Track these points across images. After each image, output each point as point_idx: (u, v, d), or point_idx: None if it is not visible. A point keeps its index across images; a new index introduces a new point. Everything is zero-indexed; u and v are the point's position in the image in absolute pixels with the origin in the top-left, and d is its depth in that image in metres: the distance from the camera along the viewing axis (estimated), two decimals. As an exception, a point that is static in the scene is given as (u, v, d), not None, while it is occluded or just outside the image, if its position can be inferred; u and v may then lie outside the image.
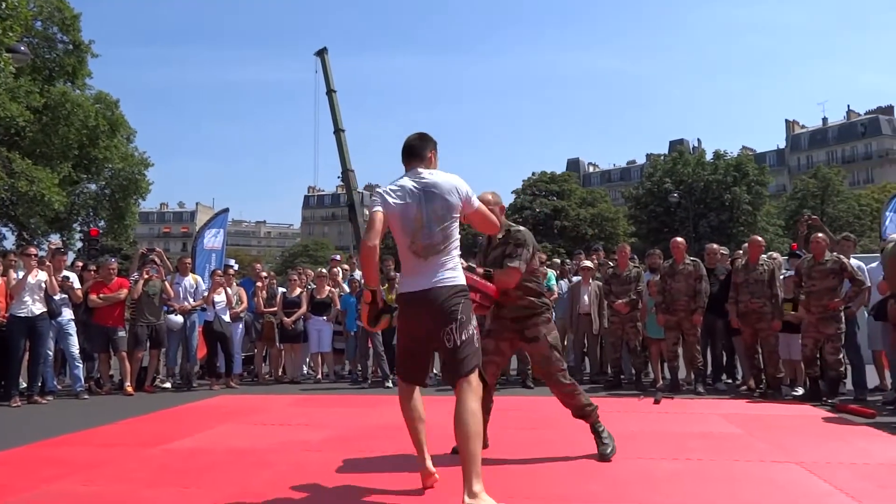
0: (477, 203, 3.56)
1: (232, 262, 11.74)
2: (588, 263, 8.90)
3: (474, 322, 3.45)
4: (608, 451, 4.25)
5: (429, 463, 3.62)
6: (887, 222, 11.71)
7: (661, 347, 8.07)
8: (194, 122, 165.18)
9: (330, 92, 30.41)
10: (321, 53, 30.98)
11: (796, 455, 4.35)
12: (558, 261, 11.02)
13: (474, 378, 3.34)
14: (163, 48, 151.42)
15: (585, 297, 8.50)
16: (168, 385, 8.86)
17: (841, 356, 6.80)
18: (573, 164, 74.45)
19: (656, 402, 6.72)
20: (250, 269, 11.32)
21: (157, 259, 9.13)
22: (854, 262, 7.36)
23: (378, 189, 3.55)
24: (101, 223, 24.60)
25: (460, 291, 3.41)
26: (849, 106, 67.22)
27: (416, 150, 3.56)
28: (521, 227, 4.32)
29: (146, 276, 8.60)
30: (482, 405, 3.46)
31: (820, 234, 7.16)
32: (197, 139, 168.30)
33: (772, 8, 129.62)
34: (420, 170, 3.49)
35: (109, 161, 23.40)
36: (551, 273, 9.28)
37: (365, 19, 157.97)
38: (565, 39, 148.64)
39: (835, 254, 7.03)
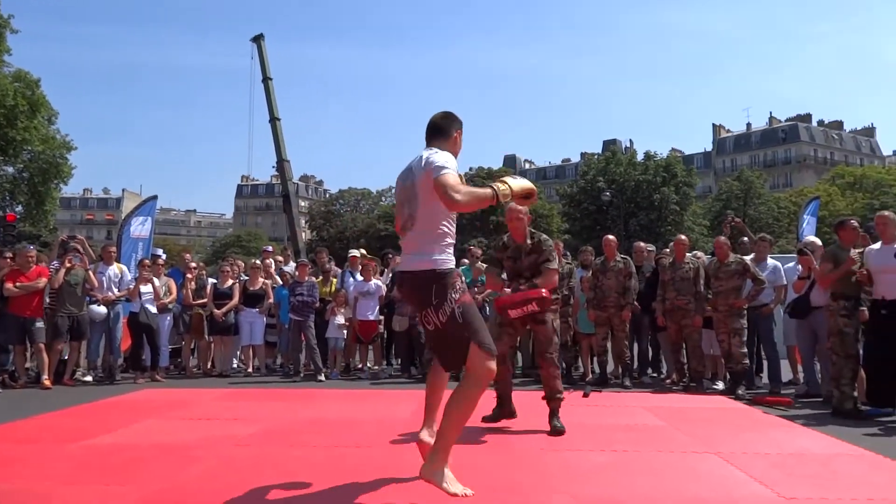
0: (442, 176, 3.07)
1: (160, 251, 11.37)
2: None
3: (454, 299, 3.18)
4: (560, 424, 4.92)
5: (423, 433, 3.55)
6: (804, 225, 12.35)
7: (591, 342, 8.27)
8: (122, 105, 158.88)
9: (266, 79, 29.82)
10: (257, 40, 30.33)
11: (715, 446, 4.54)
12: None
13: (478, 358, 3.16)
14: (91, 26, 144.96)
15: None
16: (89, 378, 8.52)
17: (745, 350, 7.13)
18: (510, 161, 75.28)
19: (585, 395, 6.89)
20: (179, 259, 11.00)
21: (79, 247, 8.75)
22: (771, 261, 7.74)
23: None
24: (19, 208, 23.48)
25: (437, 276, 3.20)
26: (771, 113, 70.60)
27: (438, 127, 3.44)
28: (544, 234, 5.24)
29: (67, 265, 8.23)
30: (501, 377, 4.49)
31: (721, 238, 7.57)
32: (125, 123, 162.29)
33: (701, 16, 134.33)
34: (429, 148, 3.35)
35: (28, 143, 22.32)
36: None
37: (304, 6, 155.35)
38: (504, 36, 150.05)
39: (738, 255, 7.44)
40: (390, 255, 9.91)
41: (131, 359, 8.77)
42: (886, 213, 6.21)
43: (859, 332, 6.15)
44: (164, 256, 10.43)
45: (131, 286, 8.83)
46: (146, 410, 6.02)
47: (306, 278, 8.92)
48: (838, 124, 70.72)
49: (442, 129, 3.42)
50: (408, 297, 3.49)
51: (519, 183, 3.28)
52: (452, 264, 3.27)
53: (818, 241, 7.46)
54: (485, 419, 5.13)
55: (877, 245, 6.09)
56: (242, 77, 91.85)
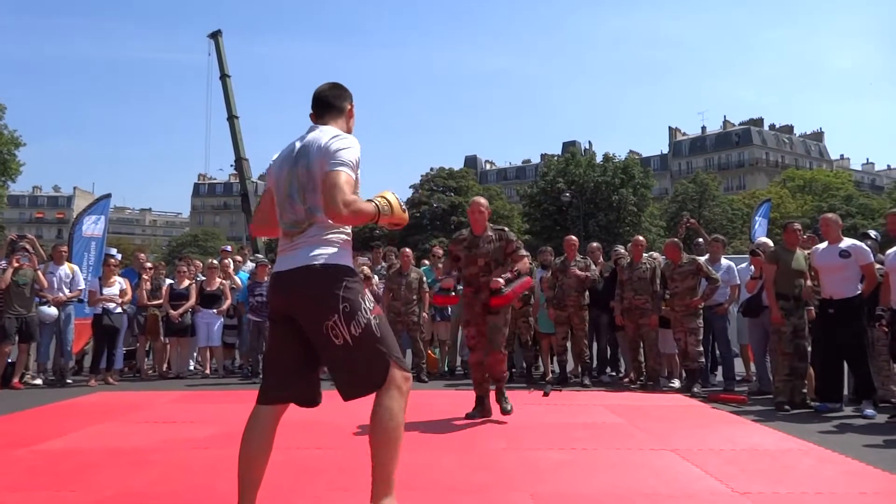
0: (336, 172, 2.51)
1: (113, 251, 11.10)
2: (482, 260, 9.07)
3: (369, 308, 2.62)
4: (509, 407, 5.48)
5: None
6: (756, 226, 12.67)
7: (551, 341, 8.35)
8: (73, 100, 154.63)
9: (224, 76, 29.45)
10: (215, 36, 29.93)
11: (671, 443, 4.63)
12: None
13: (397, 376, 2.65)
14: (39, 18, 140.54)
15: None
16: (39, 381, 8.26)
17: (700, 348, 7.30)
18: (471, 161, 75.56)
19: (545, 394, 6.96)
20: (134, 259, 10.75)
21: (28, 246, 8.48)
22: (725, 261, 7.93)
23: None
24: (-37, 206, 22.62)
25: (346, 275, 2.62)
26: (725, 116, 72.25)
27: (328, 100, 2.82)
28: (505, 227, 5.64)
29: (16, 265, 7.97)
30: (482, 379, 5.40)
31: (672, 241, 7.72)
32: (77, 119, 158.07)
33: (658, 20, 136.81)
34: (318, 126, 2.76)
35: (-27, 139, 21.54)
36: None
37: (262, 3, 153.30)
38: (466, 37, 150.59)
39: (691, 256, 7.61)
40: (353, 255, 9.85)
41: (92, 362, 8.53)
42: (830, 215, 6.43)
43: (804, 330, 6.34)
44: (118, 256, 10.18)
45: (81, 286, 8.61)
46: (99, 414, 5.87)
47: (265, 278, 8.81)
48: (789, 129, 72.82)
49: (334, 103, 2.83)
50: (296, 303, 2.60)
51: (399, 204, 2.75)
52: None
53: (770, 242, 7.68)
54: (468, 416, 5.51)
55: (822, 245, 6.29)
56: (199, 73, 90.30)
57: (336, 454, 4.26)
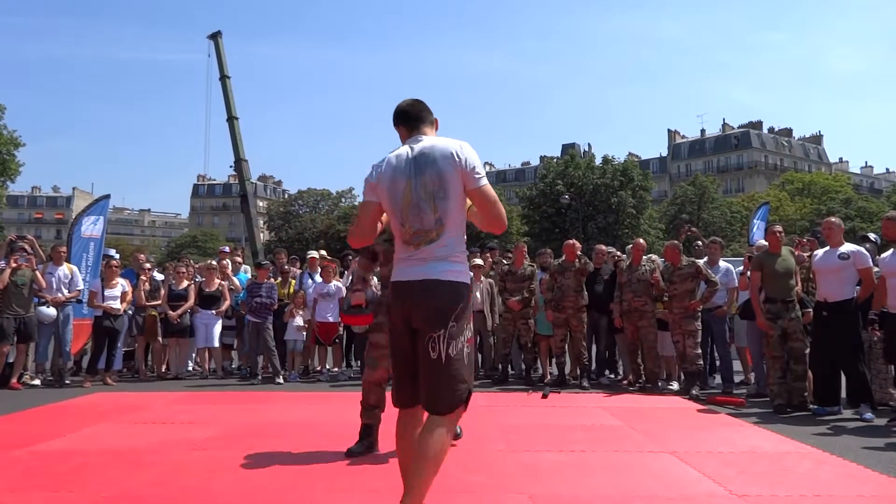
0: (487, 187, 2.69)
1: (112, 251, 11.10)
2: (478, 261, 9.06)
3: (467, 334, 2.72)
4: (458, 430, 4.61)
5: None
6: (755, 229, 12.67)
7: (549, 343, 8.35)
8: (73, 101, 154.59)
9: (223, 77, 29.45)
10: (215, 37, 29.93)
11: (669, 445, 4.64)
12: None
13: (462, 410, 2.69)
14: (40, 18, 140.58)
15: (478, 294, 8.64)
16: (37, 382, 8.25)
17: (699, 351, 7.30)
18: (470, 163, 75.45)
19: (544, 396, 6.96)
20: (133, 260, 10.74)
21: (27, 246, 8.47)
22: (723, 264, 7.93)
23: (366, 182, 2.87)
24: (-38, 206, 22.61)
25: (460, 291, 2.70)
26: (724, 119, 72.31)
27: (420, 113, 2.90)
28: None
29: (14, 265, 7.96)
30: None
31: (672, 242, 7.74)
32: (76, 120, 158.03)
33: (657, 22, 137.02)
34: (419, 136, 2.84)
35: (-28, 139, 21.54)
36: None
37: (261, 5, 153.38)
38: (465, 39, 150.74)
39: (690, 258, 7.61)
40: (350, 257, 9.84)
41: (90, 363, 8.52)
42: (833, 218, 6.44)
43: (799, 332, 6.33)
44: (117, 257, 10.18)
45: (80, 287, 8.61)
46: (97, 415, 5.87)
47: (265, 280, 8.82)
48: (788, 132, 72.91)
49: (426, 116, 2.91)
50: (418, 312, 2.68)
51: None
52: None
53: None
54: (349, 452, 4.29)
55: (822, 249, 6.30)
56: (199, 74, 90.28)
57: (336, 456, 4.26)
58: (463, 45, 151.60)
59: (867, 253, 6.14)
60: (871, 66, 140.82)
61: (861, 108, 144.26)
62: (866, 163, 79.77)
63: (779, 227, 6.68)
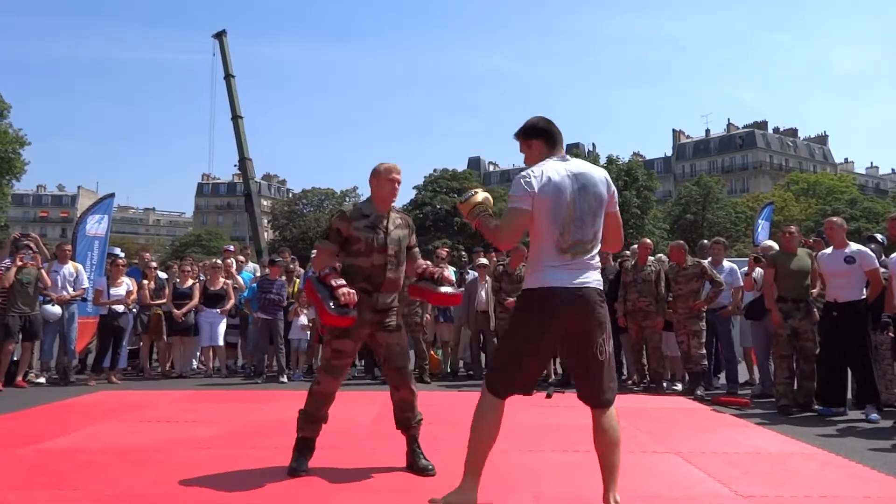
0: (617, 209, 3.21)
1: (117, 250, 11.13)
2: (484, 261, 9.06)
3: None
4: (430, 465, 3.92)
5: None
6: (759, 229, 12.64)
7: (553, 343, 8.33)
8: (78, 100, 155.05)
9: (228, 77, 29.51)
10: (220, 36, 29.97)
11: (674, 445, 4.62)
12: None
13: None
14: (45, 18, 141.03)
15: (483, 294, 8.65)
16: (42, 380, 8.28)
17: (704, 351, 7.29)
18: (474, 163, 75.55)
19: (548, 396, 6.95)
20: (138, 259, 10.77)
21: (32, 245, 8.50)
22: (728, 264, 7.91)
23: (521, 179, 3.02)
24: (-32, 205, 22.68)
25: (603, 298, 3.07)
26: (729, 119, 72.33)
27: (558, 133, 3.18)
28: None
29: (19, 263, 7.99)
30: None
31: (678, 242, 7.74)
32: (81, 119, 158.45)
33: (662, 22, 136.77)
34: (566, 156, 3.14)
35: (-22, 137, 21.61)
36: (451, 269, 9.38)
37: (264, 4, 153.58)
38: (470, 38, 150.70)
39: (696, 259, 7.59)
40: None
41: (95, 361, 8.54)
42: (835, 218, 6.42)
43: (809, 332, 6.31)
44: (122, 255, 10.20)
45: (85, 285, 8.63)
46: (102, 413, 5.88)
47: (277, 278, 8.84)
48: (793, 132, 72.66)
49: (559, 135, 3.20)
50: (580, 318, 2.97)
51: None
52: None
53: (775, 245, 7.66)
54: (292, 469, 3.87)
55: (829, 249, 6.27)
56: (203, 73, 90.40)
57: (339, 455, 4.26)
58: (467, 44, 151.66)
59: (873, 254, 6.12)
60: (877, 67, 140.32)
61: (866, 109, 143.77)
62: (872, 163, 79.55)
63: (793, 227, 6.66)
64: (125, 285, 8.61)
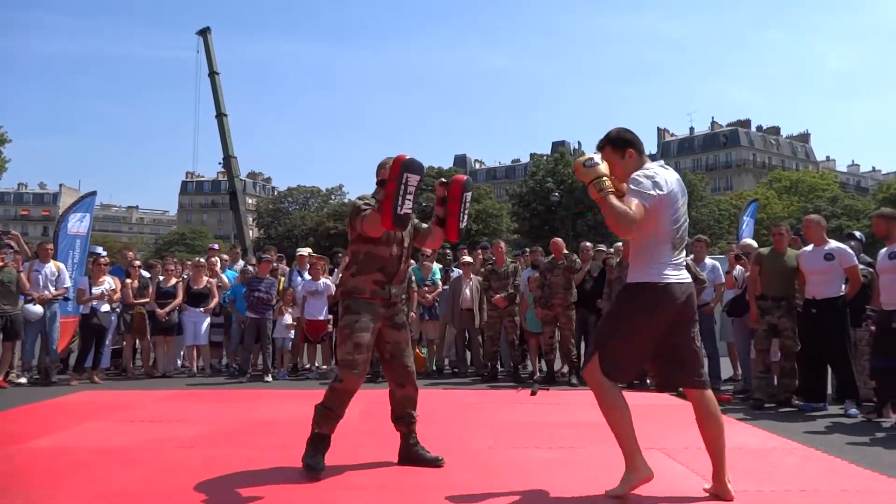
0: None
1: (99, 249, 11.04)
2: (468, 259, 9.08)
3: None
4: (439, 457, 3.98)
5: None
6: (744, 226, 12.73)
7: (539, 340, 8.38)
8: (60, 96, 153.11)
9: (212, 74, 29.37)
10: (204, 33, 29.83)
11: (658, 441, 4.67)
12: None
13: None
14: (25, 12, 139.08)
15: (467, 292, 8.67)
16: (24, 380, 8.19)
17: None
18: (460, 161, 75.56)
19: (533, 393, 6.98)
20: (121, 257, 10.68)
21: (13, 243, 8.41)
22: (710, 261, 7.97)
23: (646, 177, 3.20)
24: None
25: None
26: (713, 118, 72.61)
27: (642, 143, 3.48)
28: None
29: (1, 263, 7.90)
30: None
31: None
32: (64, 116, 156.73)
33: (646, 22, 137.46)
34: (663, 163, 3.46)
35: (-43, 135, 21.33)
36: (436, 267, 9.41)
37: (252, 1, 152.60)
38: (456, 37, 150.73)
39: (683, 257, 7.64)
40: (340, 254, 9.83)
41: (77, 361, 8.46)
42: (812, 216, 6.48)
43: (790, 329, 6.39)
44: (104, 254, 10.11)
45: (67, 284, 8.55)
46: (85, 413, 5.84)
47: (266, 276, 8.80)
48: (776, 130, 73.32)
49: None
50: (687, 306, 3.35)
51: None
52: None
53: (754, 244, 7.75)
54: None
55: (809, 247, 6.35)
56: (188, 70, 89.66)
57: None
58: (454, 42, 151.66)
59: (851, 252, 6.20)
60: (859, 66, 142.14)
61: (848, 107, 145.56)
62: (853, 161, 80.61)
63: (783, 229, 6.69)
64: (108, 284, 8.54)
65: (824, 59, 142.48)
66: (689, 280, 3.40)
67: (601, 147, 3.42)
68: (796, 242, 7.19)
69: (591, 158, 3.29)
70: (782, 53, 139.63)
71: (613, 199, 3.14)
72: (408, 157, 3.49)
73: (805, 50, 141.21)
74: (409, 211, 3.53)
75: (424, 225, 4.11)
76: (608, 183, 3.20)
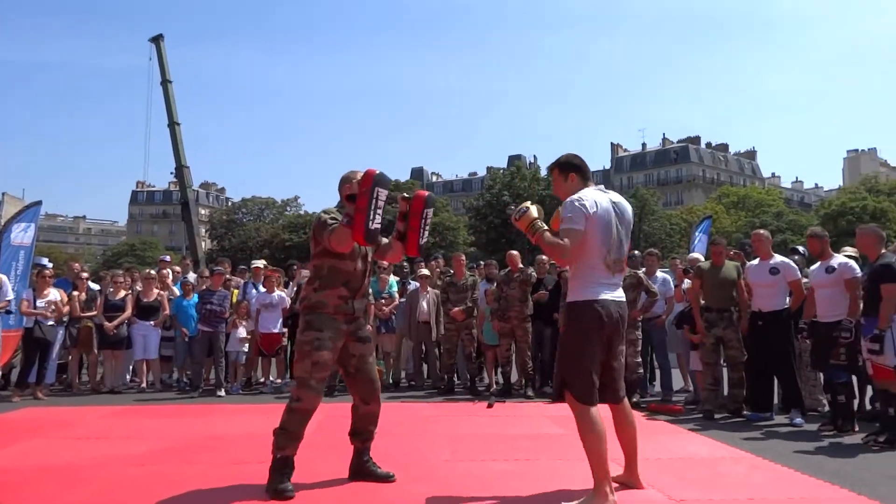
0: None
1: (44, 260, 10.70)
2: (425, 271, 9.09)
3: None
4: (391, 473, 3.95)
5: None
6: (696, 241, 13.05)
7: (495, 353, 8.42)
8: (5, 103, 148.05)
9: (165, 82, 28.83)
10: (157, 40, 29.30)
11: (611, 452, 4.71)
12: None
13: None
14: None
15: (424, 305, 8.67)
16: (-38, 397, 7.87)
17: (639, 360, 7.48)
18: (417, 173, 75.71)
19: (489, 405, 7.01)
20: (67, 269, 10.36)
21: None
22: (661, 274, 8.16)
23: (576, 202, 3.44)
24: None
25: None
26: (664, 134, 74.39)
27: (589, 169, 3.71)
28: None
29: (-62, 274, 7.59)
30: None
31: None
32: (6, 123, 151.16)
33: (602, 40, 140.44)
34: (603, 187, 3.65)
35: None
36: (393, 279, 9.39)
37: (204, 9, 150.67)
38: (413, 50, 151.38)
39: (633, 269, 7.79)
40: (295, 266, 9.74)
41: (19, 376, 8.15)
42: (761, 231, 6.73)
43: (735, 340, 6.56)
44: (49, 266, 9.80)
45: (9, 297, 8.25)
46: (28, 430, 5.63)
47: (218, 288, 8.64)
48: (724, 147, 75.57)
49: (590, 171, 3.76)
50: (621, 324, 3.54)
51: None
52: None
53: (700, 258, 7.98)
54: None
55: (755, 261, 6.56)
56: (140, 78, 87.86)
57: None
58: (411, 55, 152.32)
59: (796, 266, 6.43)
60: (801, 87, 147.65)
61: (791, 127, 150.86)
62: (797, 178, 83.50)
63: (719, 245, 6.93)
64: (53, 296, 8.27)
65: (766, 80, 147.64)
66: (624, 299, 3.58)
67: (551, 169, 3.79)
68: (739, 256, 7.43)
69: (519, 209, 3.64)
70: (727, 74, 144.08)
71: (548, 236, 3.48)
72: (378, 172, 3.52)
73: (748, 71, 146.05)
74: (379, 225, 3.56)
75: (385, 239, 4.07)
76: (540, 223, 3.53)
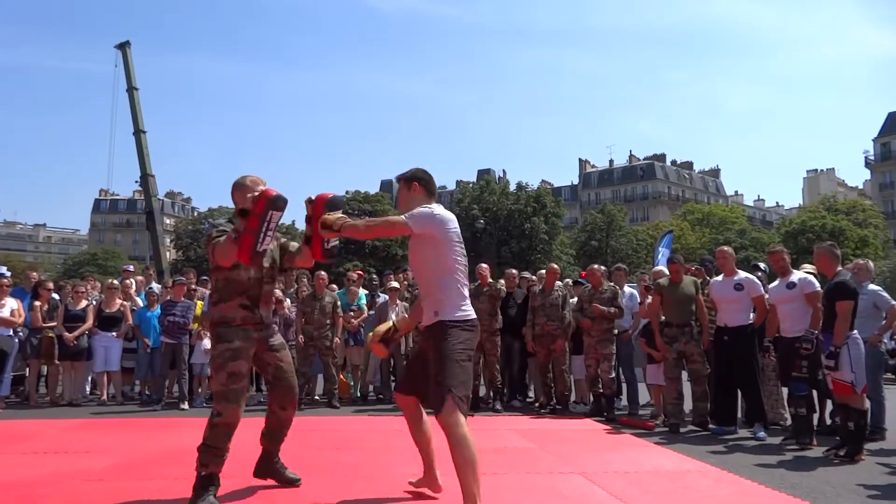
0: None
1: (3, 269, 10.41)
2: (395, 284, 9.06)
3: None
4: (296, 476, 4.09)
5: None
6: (660, 256, 13.28)
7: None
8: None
9: (131, 89, 28.48)
10: (123, 47, 28.97)
11: (579, 466, 4.75)
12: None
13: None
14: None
15: (393, 317, 8.62)
16: (-89, 410, 7.58)
17: (613, 375, 7.54)
18: (386, 186, 75.35)
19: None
20: (24, 278, 10.08)
21: None
22: (628, 289, 8.24)
23: (432, 211, 3.49)
24: None
25: None
26: (631, 151, 75.56)
27: (435, 186, 3.78)
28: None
29: None
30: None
31: (595, 266, 7.98)
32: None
33: (570, 57, 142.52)
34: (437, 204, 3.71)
35: None
36: (362, 292, 9.33)
37: (172, 17, 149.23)
38: (383, 63, 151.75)
39: (611, 284, 7.87)
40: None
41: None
42: (725, 248, 6.86)
43: (697, 354, 6.65)
44: (8, 274, 9.52)
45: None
46: (-19, 444, 5.44)
47: (181, 299, 8.47)
48: (689, 164, 77.03)
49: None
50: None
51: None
52: None
53: (666, 271, 8.06)
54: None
55: (720, 277, 6.67)
56: (104, 84, 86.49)
57: (239, 482, 4.12)
58: (380, 67, 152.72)
59: (759, 282, 6.56)
60: (764, 108, 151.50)
61: (754, 146, 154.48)
62: (759, 196, 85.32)
63: (676, 258, 7.08)
64: (9, 306, 8.04)
65: (731, 100, 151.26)
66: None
67: (398, 180, 3.86)
68: (700, 273, 7.55)
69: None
70: (691, 92, 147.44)
71: (361, 220, 3.80)
72: (274, 194, 3.47)
73: (712, 90, 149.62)
74: (268, 247, 3.60)
75: (294, 244, 4.08)
76: (341, 219, 3.55)
